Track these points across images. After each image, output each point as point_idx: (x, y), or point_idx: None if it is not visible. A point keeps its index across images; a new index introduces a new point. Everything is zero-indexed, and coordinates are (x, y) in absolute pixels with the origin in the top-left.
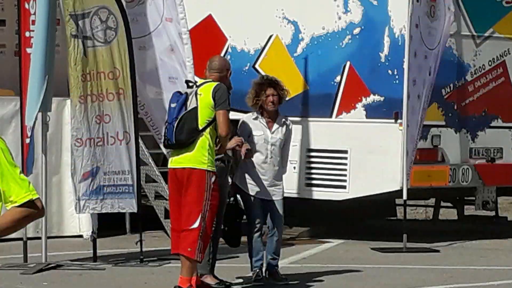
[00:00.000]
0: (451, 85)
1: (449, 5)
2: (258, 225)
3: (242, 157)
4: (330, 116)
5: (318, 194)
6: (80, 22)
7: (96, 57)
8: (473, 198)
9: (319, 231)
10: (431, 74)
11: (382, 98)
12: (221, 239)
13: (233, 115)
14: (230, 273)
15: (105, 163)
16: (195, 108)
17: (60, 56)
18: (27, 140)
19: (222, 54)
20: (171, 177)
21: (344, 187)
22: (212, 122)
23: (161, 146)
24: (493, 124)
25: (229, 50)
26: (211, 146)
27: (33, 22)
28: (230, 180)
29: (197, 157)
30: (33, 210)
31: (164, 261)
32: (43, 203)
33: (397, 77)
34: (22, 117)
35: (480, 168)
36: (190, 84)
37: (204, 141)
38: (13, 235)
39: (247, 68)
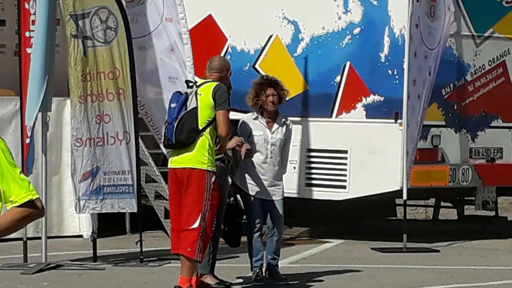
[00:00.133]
0: (451, 85)
1: (449, 5)
2: (258, 225)
3: (242, 157)
4: (330, 116)
5: (318, 194)
6: (80, 22)
7: (96, 57)
8: (473, 198)
9: (319, 231)
10: (431, 74)
11: (382, 98)
12: (221, 239)
13: (233, 115)
14: (230, 273)
15: (105, 163)
16: (195, 108)
17: (60, 56)
18: (27, 140)
19: (222, 54)
20: (171, 177)
21: (344, 187)
22: (212, 122)
23: (161, 146)
24: (493, 124)
25: (229, 50)
26: (211, 146)
27: (33, 22)
28: (230, 180)
29: (197, 157)
30: (33, 210)
31: (164, 261)
32: (43, 203)
33: (397, 77)
34: (22, 117)
35: (480, 168)
36: (190, 84)
37: (204, 141)
38: (13, 235)
39: (247, 68)
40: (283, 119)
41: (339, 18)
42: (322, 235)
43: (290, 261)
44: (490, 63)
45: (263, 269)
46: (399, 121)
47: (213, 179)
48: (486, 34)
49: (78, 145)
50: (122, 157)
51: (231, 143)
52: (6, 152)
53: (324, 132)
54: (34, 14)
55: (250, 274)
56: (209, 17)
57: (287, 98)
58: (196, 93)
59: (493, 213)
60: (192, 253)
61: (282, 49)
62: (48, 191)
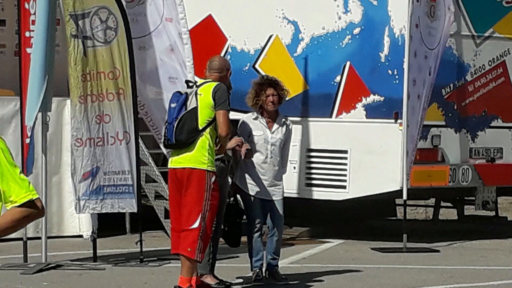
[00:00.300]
0: (451, 85)
1: (449, 5)
2: (258, 225)
3: (242, 157)
4: (330, 116)
5: (318, 194)
6: (80, 22)
7: (96, 57)
8: (473, 198)
9: (319, 231)
10: (431, 74)
11: (382, 98)
12: (221, 239)
13: (233, 115)
14: (230, 273)
15: (105, 163)
16: (195, 108)
17: (60, 56)
18: (27, 140)
19: (222, 54)
20: (171, 177)
21: (344, 187)
22: (212, 122)
23: (161, 146)
24: (493, 124)
25: (229, 50)
26: (211, 146)
27: (33, 22)
28: (230, 180)
29: (197, 157)
30: (33, 210)
31: (164, 261)
32: (43, 203)
33: (397, 77)
34: (22, 117)
35: (480, 168)
36: (190, 84)
37: (204, 141)
38: (13, 235)
39: (247, 68)
40: (283, 119)
41: (339, 18)
42: (322, 235)
43: (290, 261)
44: (490, 63)
45: (263, 269)
46: (399, 121)
47: (213, 179)
48: (486, 34)
49: (78, 145)
50: (122, 157)
51: (231, 143)
52: (6, 152)
53: (324, 132)
54: (34, 14)
55: (250, 274)
56: (209, 17)
57: (287, 98)
58: (196, 93)
59: (493, 213)
60: (192, 253)
61: (282, 49)
62: (48, 191)
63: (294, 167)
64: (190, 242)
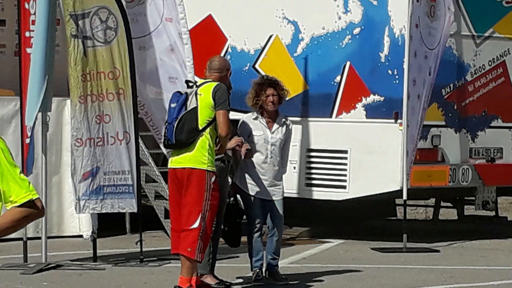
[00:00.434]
0: (451, 85)
1: (449, 5)
2: (258, 225)
3: (242, 157)
4: (330, 116)
5: (318, 194)
6: (80, 22)
7: (96, 57)
8: (473, 198)
9: (319, 231)
10: (431, 74)
11: (382, 98)
12: (221, 239)
13: (233, 115)
14: (230, 273)
15: (105, 163)
16: (195, 108)
17: (60, 56)
18: (27, 140)
19: (222, 54)
20: (171, 177)
21: (344, 187)
22: (212, 122)
23: (161, 146)
24: (493, 124)
25: (229, 50)
26: (211, 146)
27: (33, 22)
28: (230, 180)
29: (197, 157)
30: (33, 210)
31: (164, 261)
32: (43, 203)
33: (397, 77)
34: (22, 117)
35: (480, 168)
36: (190, 84)
37: (204, 141)
38: (13, 235)
39: (247, 68)
40: (283, 119)
41: (339, 18)
42: (322, 235)
43: (290, 261)
44: (490, 63)
45: (263, 269)
46: (399, 121)
47: (213, 179)
48: (486, 34)
49: (78, 145)
50: (122, 157)
51: (231, 143)
52: (6, 152)
53: (324, 132)
54: (34, 14)
55: (250, 274)
56: (209, 17)
57: (287, 98)
58: (196, 93)
59: (493, 213)
60: (192, 253)
61: (282, 49)
62: (48, 191)
63: (294, 167)
64: (190, 242)
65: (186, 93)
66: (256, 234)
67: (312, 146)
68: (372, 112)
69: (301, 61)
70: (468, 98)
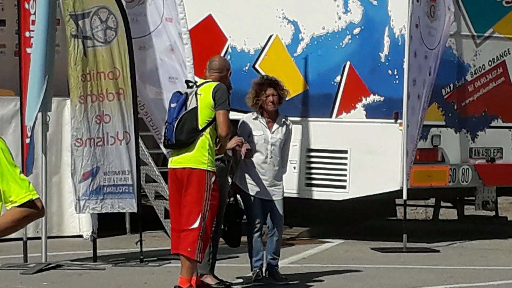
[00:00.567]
0: (451, 85)
1: (449, 5)
2: (258, 225)
3: (242, 157)
4: (330, 116)
5: (318, 194)
6: (80, 22)
7: (96, 57)
8: (473, 198)
9: (319, 231)
10: (431, 74)
11: (382, 98)
12: (221, 239)
13: (233, 115)
14: (230, 273)
15: (105, 163)
16: (195, 108)
17: (60, 56)
18: (27, 140)
19: (222, 54)
20: (171, 177)
21: (344, 187)
22: (212, 122)
23: (161, 146)
24: (493, 124)
25: (229, 50)
26: (211, 146)
27: (33, 22)
28: (230, 180)
29: (197, 157)
30: (33, 210)
31: (164, 261)
32: (43, 203)
33: (397, 77)
34: (22, 117)
35: (480, 168)
36: (190, 84)
37: (204, 141)
38: (13, 235)
39: (247, 68)
40: (283, 119)
41: (339, 18)
42: (322, 235)
43: (290, 261)
44: (490, 63)
45: (263, 269)
46: (399, 121)
47: (213, 179)
48: (486, 34)
49: (78, 145)
50: (122, 157)
51: (231, 143)
52: (6, 152)
53: (324, 132)
54: (34, 14)
55: (250, 274)
56: (209, 17)
57: (287, 98)
58: (196, 93)
59: (493, 213)
60: (192, 253)
61: (282, 49)
62: (48, 191)
63: (294, 167)
64: (190, 242)
65: (186, 93)
66: (256, 234)
67: (312, 146)
68: (372, 112)
69: (301, 61)
70: (468, 98)
